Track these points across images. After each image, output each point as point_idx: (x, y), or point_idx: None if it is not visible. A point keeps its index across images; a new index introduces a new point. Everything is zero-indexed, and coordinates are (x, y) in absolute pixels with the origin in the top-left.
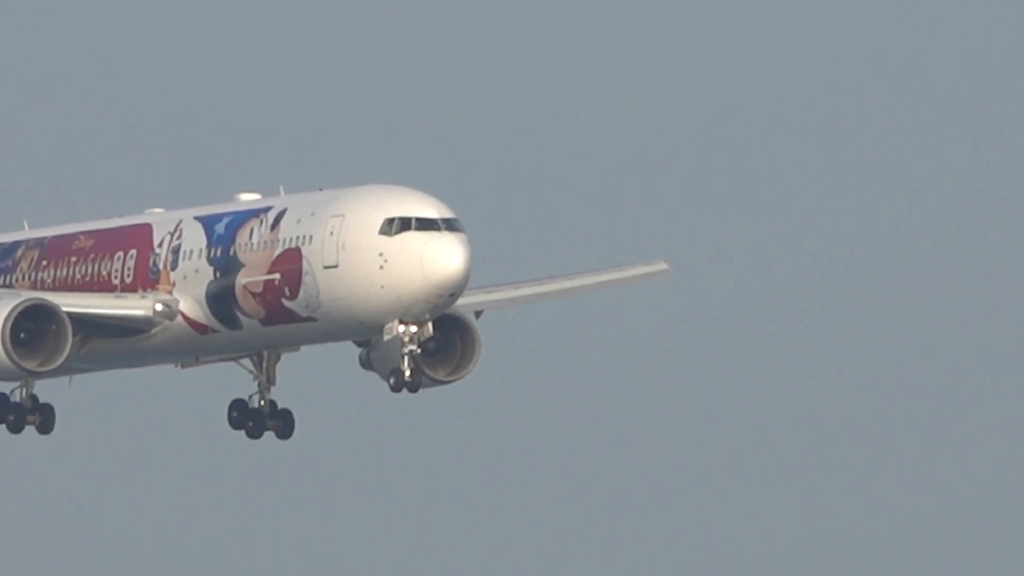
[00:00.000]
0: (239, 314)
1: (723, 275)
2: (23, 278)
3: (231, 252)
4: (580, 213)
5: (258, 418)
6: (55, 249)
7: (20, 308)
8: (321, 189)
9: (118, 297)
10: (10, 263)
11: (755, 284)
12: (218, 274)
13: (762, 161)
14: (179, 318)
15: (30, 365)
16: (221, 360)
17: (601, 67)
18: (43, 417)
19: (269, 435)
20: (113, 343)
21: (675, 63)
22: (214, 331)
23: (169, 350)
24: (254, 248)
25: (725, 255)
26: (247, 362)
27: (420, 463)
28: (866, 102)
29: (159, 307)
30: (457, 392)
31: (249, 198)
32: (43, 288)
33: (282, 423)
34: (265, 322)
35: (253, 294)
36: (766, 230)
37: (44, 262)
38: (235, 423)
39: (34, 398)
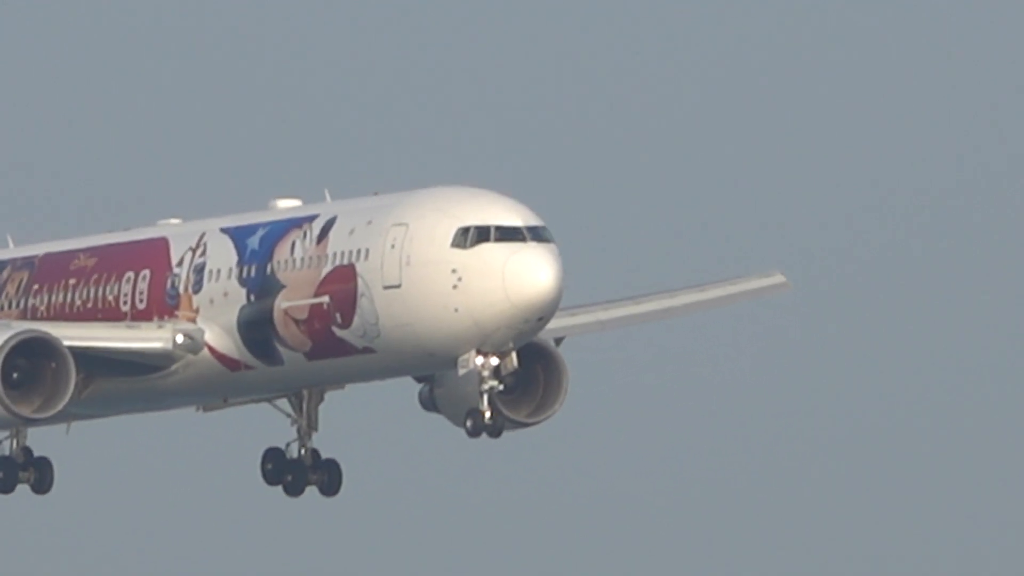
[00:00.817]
0: (279, 346)
1: (850, 288)
2: (10, 305)
3: (268, 271)
4: (674, 220)
5: (298, 471)
6: (49, 270)
7: (13, 343)
8: (376, 193)
9: (129, 327)
10: None
11: (890, 299)
12: (252, 297)
13: (882, 154)
14: (204, 351)
15: (25, 411)
16: (252, 401)
17: (695, 64)
18: (39, 473)
19: (312, 491)
20: (123, 383)
21: (773, 62)
22: (248, 367)
23: (191, 390)
24: (297, 265)
25: (850, 264)
26: (284, 402)
27: (495, 523)
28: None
29: (180, 338)
30: (540, 436)
31: (288, 205)
32: (36, 317)
33: (327, 476)
34: (311, 355)
35: (296, 321)
36: (896, 234)
37: (36, 286)
38: (270, 477)
39: (27, 451)
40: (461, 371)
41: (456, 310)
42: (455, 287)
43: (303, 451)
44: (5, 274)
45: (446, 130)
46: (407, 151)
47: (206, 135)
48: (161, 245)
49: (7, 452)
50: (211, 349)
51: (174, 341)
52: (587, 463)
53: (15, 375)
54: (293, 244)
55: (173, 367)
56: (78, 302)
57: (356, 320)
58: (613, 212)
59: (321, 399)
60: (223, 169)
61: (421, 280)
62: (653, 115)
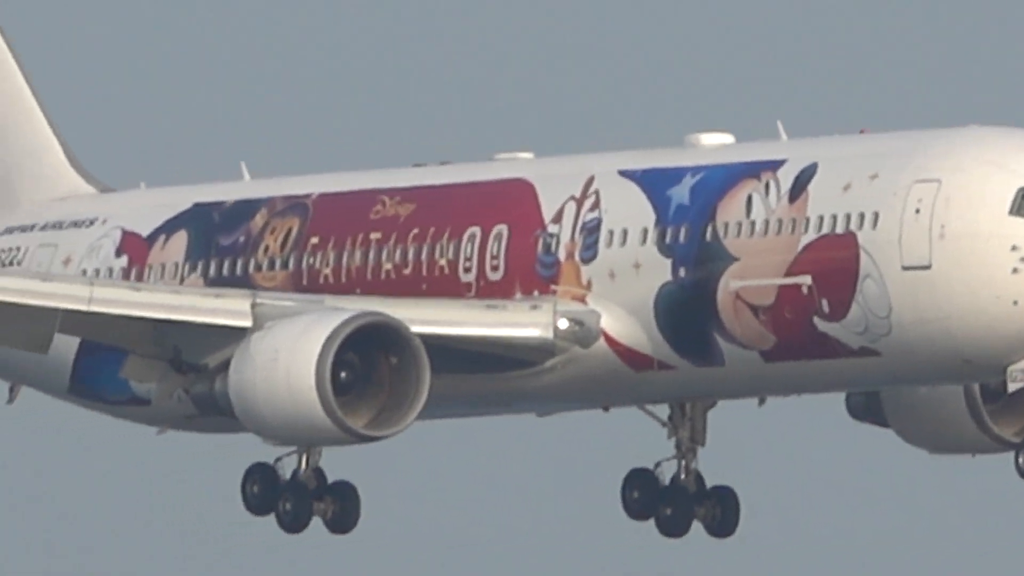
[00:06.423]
0: (722, 340)
1: None
2: (271, 265)
3: (708, 235)
4: None
5: (678, 501)
6: (334, 217)
7: (347, 331)
8: (864, 131)
9: (491, 308)
10: (243, 237)
11: None
12: (683, 272)
13: None
14: (599, 342)
15: (357, 423)
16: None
17: None
18: (339, 504)
19: (697, 528)
20: (472, 382)
21: None
22: (664, 366)
23: (567, 394)
24: (757, 230)
25: None
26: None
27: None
28: None
29: (564, 324)
30: None
31: (717, 141)
32: (316, 285)
33: (719, 510)
34: (772, 355)
35: (755, 307)
36: None
37: (314, 239)
38: (637, 508)
39: (319, 474)
40: (1012, 386)
41: (1016, 303)
42: (1015, 271)
43: (684, 475)
44: (259, 219)
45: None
46: (883, 68)
47: (574, 30)
48: (522, 190)
49: (288, 476)
50: (609, 339)
51: (555, 328)
52: None
53: (343, 375)
54: (749, 199)
55: (549, 363)
56: (388, 266)
57: (855, 310)
58: None
59: (712, 403)
60: (597, 81)
61: (962, 259)
62: None
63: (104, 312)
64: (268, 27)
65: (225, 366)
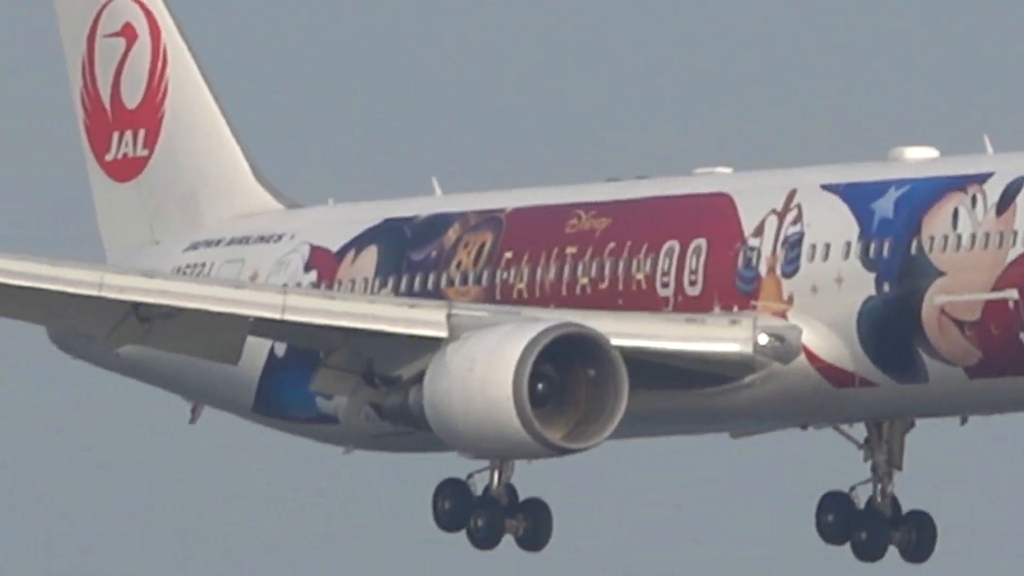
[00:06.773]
0: (927, 356)
1: None
2: (464, 280)
3: (913, 249)
4: None
5: (874, 525)
6: (529, 232)
7: (546, 341)
8: None
9: (691, 322)
10: (434, 252)
11: None
12: (887, 286)
13: None
14: (800, 358)
15: (553, 436)
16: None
17: None
18: (531, 522)
19: (893, 553)
20: (665, 398)
21: None
22: (866, 382)
23: (763, 412)
24: (963, 244)
25: None
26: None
27: None
28: None
29: (763, 339)
30: None
31: (920, 155)
32: (509, 299)
33: (915, 535)
34: (977, 371)
35: (960, 323)
36: None
37: (508, 254)
38: (831, 532)
39: (511, 490)
40: None
41: None
42: None
43: (880, 498)
44: (452, 234)
45: None
46: None
47: (775, 46)
48: (722, 204)
49: (480, 492)
50: (810, 355)
51: (755, 343)
52: None
53: (540, 386)
54: (955, 213)
55: (748, 379)
56: (583, 281)
57: None
58: None
59: (911, 424)
60: (797, 96)
61: None
62: None
63: (298, 321)
64: (459, 42)
65: (418, 378)
